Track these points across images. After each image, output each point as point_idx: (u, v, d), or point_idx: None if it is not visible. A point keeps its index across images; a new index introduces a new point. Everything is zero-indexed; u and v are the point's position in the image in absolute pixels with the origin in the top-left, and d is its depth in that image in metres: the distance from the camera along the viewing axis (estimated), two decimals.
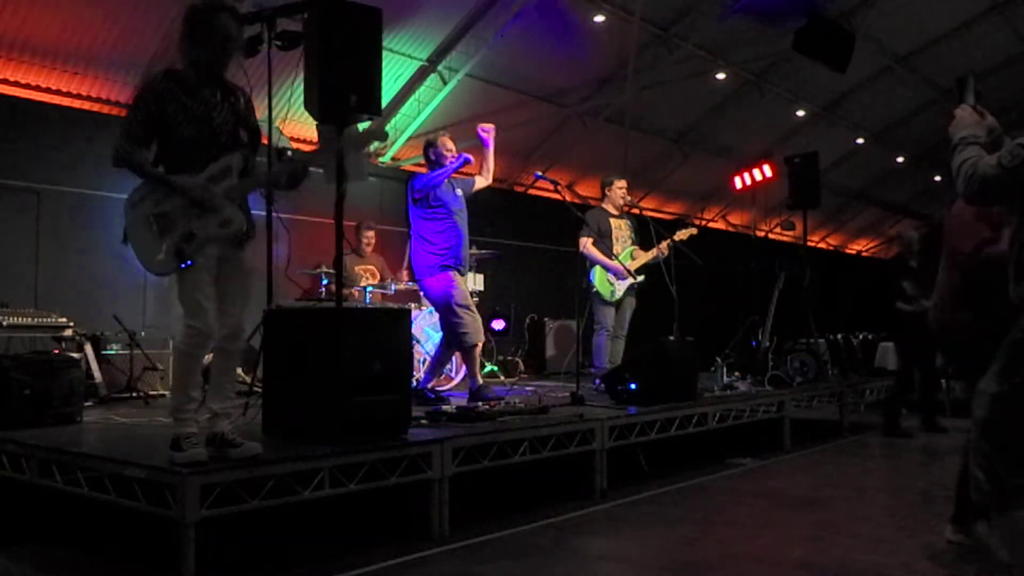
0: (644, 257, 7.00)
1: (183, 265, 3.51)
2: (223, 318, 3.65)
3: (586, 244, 6.90)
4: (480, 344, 5.91)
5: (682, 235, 6.92)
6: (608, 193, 7.22)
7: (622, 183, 7.28)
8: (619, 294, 6.94)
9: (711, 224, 17.15)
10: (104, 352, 6.37)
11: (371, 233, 8.21)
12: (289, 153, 9.03)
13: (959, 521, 3.85)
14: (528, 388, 7.19)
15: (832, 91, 14.25)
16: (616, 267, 6.86)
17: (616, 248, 6.98)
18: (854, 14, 11.94)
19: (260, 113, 3.99)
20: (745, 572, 3.79)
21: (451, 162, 5.82)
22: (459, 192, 5.94)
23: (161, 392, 6.61)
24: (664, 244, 6.85)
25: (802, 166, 9.18)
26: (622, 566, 3.86)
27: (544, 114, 11.83)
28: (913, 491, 5.40)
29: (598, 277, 6.96)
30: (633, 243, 7.17)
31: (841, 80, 12.76)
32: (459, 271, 5.80)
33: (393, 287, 7.76)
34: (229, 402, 3.79)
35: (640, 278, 6.98)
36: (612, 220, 7.10)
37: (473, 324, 5.77)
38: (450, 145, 5.91)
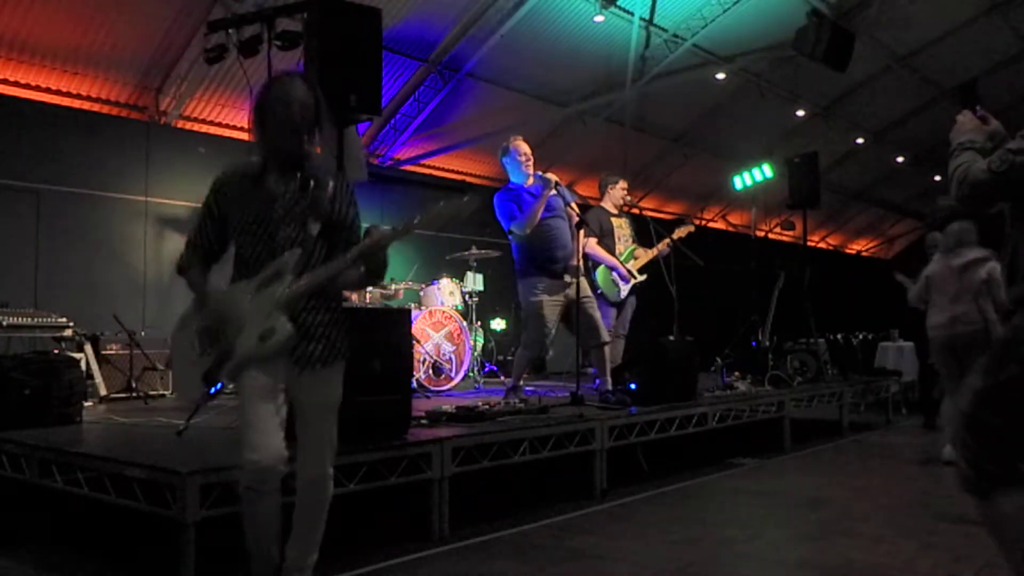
0: (646, 256, 7.00)
1: (211, 391, 3.00)
2: (298, 461, 2.98)
3: (592, 244, 6.90)
4: (536, 355, 5.97)
5: (680, 232, 6.92)
6: (610, 191, 7.21)
7: (624, 183, 7.29)
8: (624, 294, 6.94)
9: (711, 224, 17.16)
10: (104, 352, 6.38)
11: None
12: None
13: None
14: (528, 388, 7.19)
15: (832, 91, 14.25)
16: (621, 268, 6.87)
17: (619, 247, 6.98)
18: (854, 14, 11.94)
19: None
20: (745, 572, 3.79)
21: (534, 186, 5.86)
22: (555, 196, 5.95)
23: (161, 392, 6.62)
24: (664, 242, 6.85)
25: (802, 166, 9.18)
26: (622, 566, 3.86)
27: (544, 114, 11.83)
28: (913, 491, 5.39)
29: (602, 277, 6.96)
30: (634, 242, 7.17)
31: (841, 80, 12.75)
32: (551, 276, 5.80)
33: (393, 287, 7.76)
34: (313, 554, 3.11)
35: (642, 277, 6.98)
36: (613, 219, 7.10)
37: (537, 335, 5.82)
38: (524, 148, 5.92)
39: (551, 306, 5.80)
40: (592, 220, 6.93)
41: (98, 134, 8.02)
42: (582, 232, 6.13)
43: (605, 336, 6.00)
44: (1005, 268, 2.55)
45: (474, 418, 4.79)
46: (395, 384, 4.23)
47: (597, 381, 6.24)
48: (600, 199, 7.34)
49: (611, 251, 6.89)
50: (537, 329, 5.82)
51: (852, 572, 3.67)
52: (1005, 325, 2.53)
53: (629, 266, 6.93)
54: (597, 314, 5.98)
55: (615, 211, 7.17)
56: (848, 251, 21.90)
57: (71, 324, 6.09)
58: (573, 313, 5.88)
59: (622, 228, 7.14)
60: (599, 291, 6.98)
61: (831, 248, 21.01)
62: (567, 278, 5.89)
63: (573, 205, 6.09)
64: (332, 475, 3.03)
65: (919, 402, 8.58)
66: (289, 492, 2.99)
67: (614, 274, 6.92)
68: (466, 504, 4.41)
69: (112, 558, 3.98)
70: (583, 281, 5.96)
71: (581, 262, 6.07)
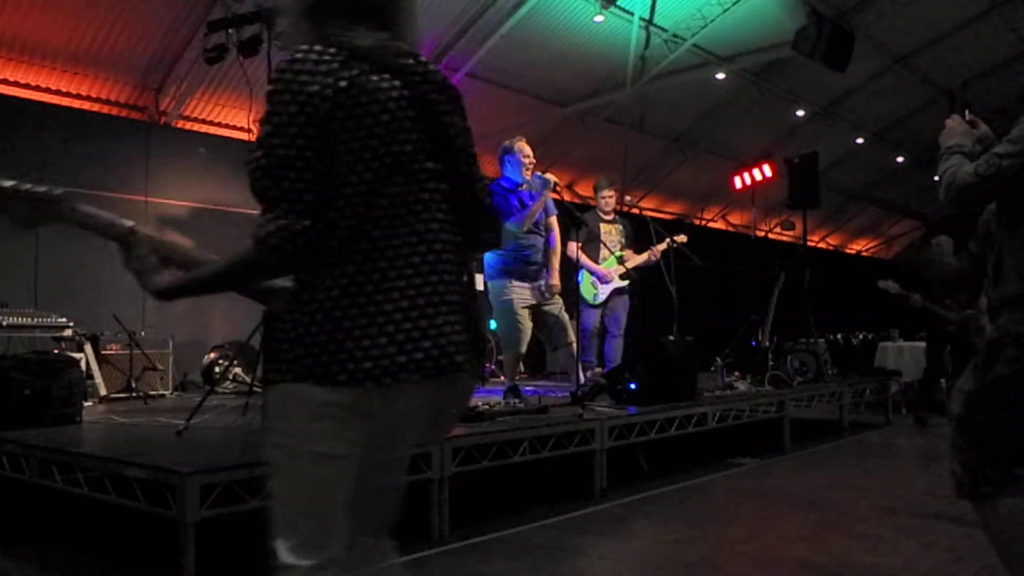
0: (635, 260, 7.01)
1: None
2: None
3: (574, 248, 6.92)
4: (518, 351, 5.99)
5: (669, 243, 6.88)
6: (598, 198, 7.27)
7: (610, 192, 7.28)
8: (601, 298, 6.97)
9: (711, 224, 17.15)
10: (104, 352, 6.38)
11: None
12: None
13: None
14: (528, 388, 7.19)
15: (832, 91, 14.25)
16: (600, 272, 6.90)
17: (604, 252, 7.00)
18: (854, 14, 11.94)
19: (260, 113, 3.89)
20: (745, 572, 3.78)
21: (526, 191, 5.84)
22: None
23: (161, 392, 6.62)
24: (658, 248, 6.85)
25: (802, 166, 9.20)
26: (622, 566, 3.86)
27: (544, 114, 11.83)
28: (913, 491, 5.40)
29: (584, 280, 7.00)
30: (623, 247, 7.17)
31: (841, 80, 12.74)
32: (519, 278, 5.82)
33: None
34: None
35: (624, 282, 6.97)
36: (603, 225, 7.11)
37: (513, 333, 5.84)
38: (528, 151, 5.92)
39: (521, 304, 5.84)
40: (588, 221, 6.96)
41: (98, 134, 8.01)
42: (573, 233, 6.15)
43: (572, 335, 6.02)
44: (991, 268, 2.58)
45: (474, 418, 4.78)
46: None
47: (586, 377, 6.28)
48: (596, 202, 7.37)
49: (596, 256, 6.93)
50: (511, 327, 5.86)
51: (852, 572, 3.67)
52: (991, 325, 2.55)
53: (614, 270, 6.96)
54: (564, 315, 6.01)
55: (607, 217, 7.19)
56: (848, 251, 21.89)
57: (71, 324, 6.09)
58: (540, 314, 5.92)
59: (611, 234, 7.15)
60: (580, 292, 7.01)
61: (831, 248, 21.01)
62: (533, 284, 5.91)
63: (554, 219, 6.13)
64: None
65: (920, 401, 8.59)
66: None
67: (593, 278, 6.95)
68: (466, 504, 4.41)
69: (112, 558, 3.98)
70: (524, 290, 5.99)
71: (555, 263, 6.12)
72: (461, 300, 1.73)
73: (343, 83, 1.60)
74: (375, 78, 1.64)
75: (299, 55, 1.63)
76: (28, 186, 1.78)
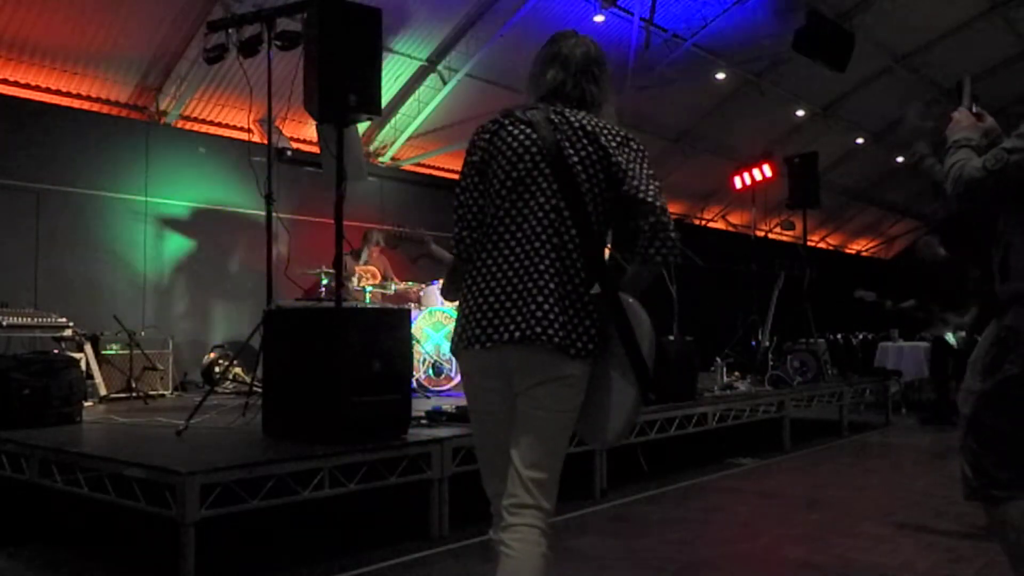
0: None
1: None
2: None
3: None
4: None
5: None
6: None
7: None
8: None
9: (711, 224, 17.15)
10: (104, 352, 6.38)
11: (376, 249, 8.15)
12: (289, 153, 9.04)
13: None
14: None
15: (832, 91, 14.24)
16: None
17: None
18: (854, 14, 11.94)
19: (260, 113, 3.92)
20: (745, 572, 3.79)
21: None
22: None
23: (161, 392, 6.62)
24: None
25: (802, 166, 9.20)
26: (622, 566, 3.86)
27: None
28: (913, 491, 5.40)
29: None
30: None
31: (841, 80, 12.74)
32: None
33: (393, 287, 7.76)
34: None
35: None
36: None
37: None
38: None
39: None
40: None
41: (98, 134, 8.01)
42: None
43: None
44: (997, 266, 2.55)
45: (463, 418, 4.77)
46: (395, 384, 4.23)
47: None
48: None
49: None
50: None
51: (852, 572, 3.67)
52: (997, 324, 2.52)
53: None
54: None
55: None
56: (848, 251, 21.89)
57: (71, 324, 6.09)
58: None
59: None
60: None
61: (831, 248, 21.00)
62: None
63: None
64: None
65: (932, 404, 8.61)
66: None
67: None
68: (466, 504, 4.41)
69: (112, 558, 3.98)
70: None
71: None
72: (551, 287, 2.17)
73: (488, 135, 2.33)
74: (510, 128, 2.31)
75: (483, 123, 2.37)
76: (408, 230, 2.63)
